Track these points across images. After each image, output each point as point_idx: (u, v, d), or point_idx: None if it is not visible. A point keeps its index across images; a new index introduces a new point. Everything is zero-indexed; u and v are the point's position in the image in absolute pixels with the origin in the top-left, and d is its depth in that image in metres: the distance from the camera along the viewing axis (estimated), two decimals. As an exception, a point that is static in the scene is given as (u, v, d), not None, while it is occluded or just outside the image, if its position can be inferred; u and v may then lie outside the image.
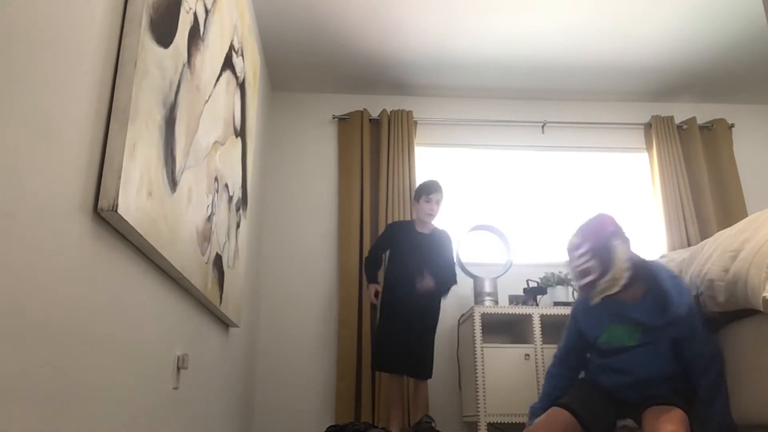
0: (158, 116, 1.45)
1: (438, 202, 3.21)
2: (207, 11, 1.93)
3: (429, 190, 3.20)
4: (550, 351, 3.04)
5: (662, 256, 2.52)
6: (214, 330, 2.38)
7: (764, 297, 1.56)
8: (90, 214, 1.18)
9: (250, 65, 2.77)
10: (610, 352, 1.96)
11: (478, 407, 3.00)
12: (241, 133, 2.61)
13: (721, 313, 1.82)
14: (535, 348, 3.12)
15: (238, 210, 2.61)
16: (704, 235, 3.75)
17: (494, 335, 3.53)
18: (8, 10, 0.88)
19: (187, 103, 1.72)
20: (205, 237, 1.99)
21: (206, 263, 2.01)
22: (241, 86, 2.59)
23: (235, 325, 2.62)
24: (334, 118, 4.03)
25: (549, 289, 3.52)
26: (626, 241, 1.87)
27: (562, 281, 3.51)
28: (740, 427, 1.79)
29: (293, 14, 3.31)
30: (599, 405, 1.99)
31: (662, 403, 1.83)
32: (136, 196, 1.30)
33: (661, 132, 4.05)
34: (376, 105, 4.08)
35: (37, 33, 0.97)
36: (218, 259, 2.21)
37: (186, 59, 1.69)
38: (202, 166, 1.93)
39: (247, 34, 2.66)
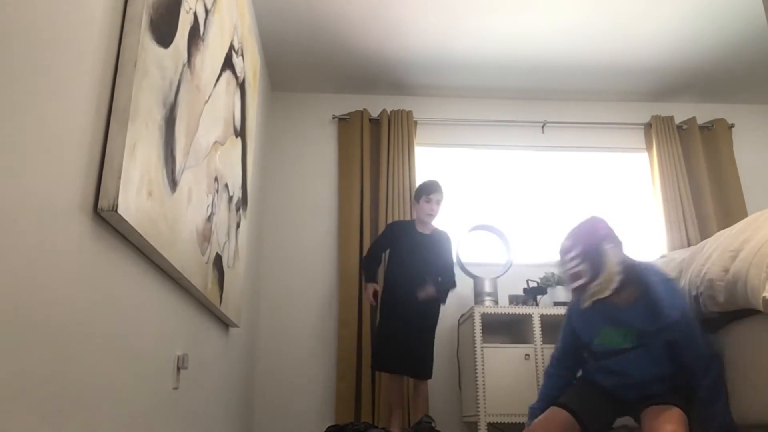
0: (158, 116, 1.45)
1: (438, 202, 3.21)
2: (207, 11, 1.93)
3: (429, 190, 3.20)
4: (550, 351, 3.04)
5: (662, 256, 2.52)
6: (214, 330, 2.38)
7: (764, 297, 1.56)
8: (90, 214, 1.18)
9: (250, 65, 2.77)
10: (605, 354, 1.96)
11: (478, 407, 3.00)
12: (241, 133, 2.61)
13: (721, 313, 1.82)
14: (535, 348, 3.12)
15: (238, 210, 2.61)
16: (704, 235, 3.75)
17: (494, 335, 3.53)
18: (8, 10, 0.88)
19: (187, 103, 1.72)
20: (205, 237, 1.99)
21: (206, 263, 2.01)
22: (241, 86, 2.59)
23: (235, 325, 2.62)
24: (334, 118, 4.03)
25: (549, 289, 3.52)
26: (618, 244, 1.85)
27: (562, 281, 3.51)
28: (740, 427, 1.79)
29: (293, 14, 3.31)
30: (597, 404, 1.99)
31: (661, 402, 1.83)
32: (136, 196, 1.30)
33: (661, 132, 4.05)
34: (376, 105, 4.08)
35: (37, 33, 0.97)
36: (218, 259, 2.21)
37: (186, 59, 1.69)
38: (202, 166, 1.93)
39: (247, 34, 2.66)
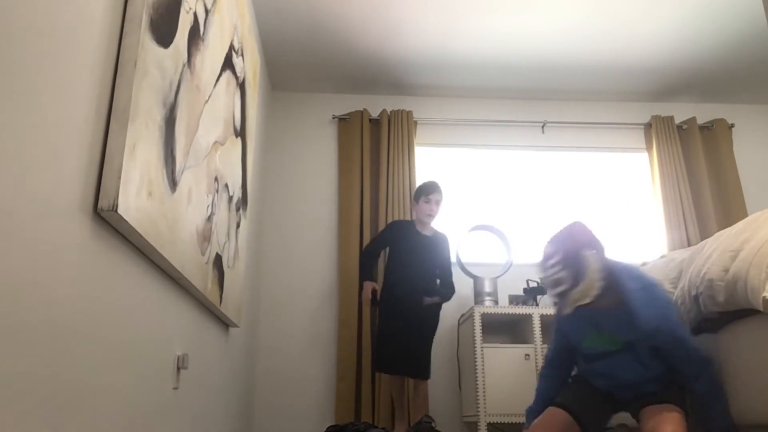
0: (158, 116, 1.45)
1: (437, 203, 3.20)
2: (207, 11, 1.93)
3: (428, 190, 3.19)
4: (550, 351, 3.04)
5: (662, 256, 2.52)
6: (214, 330, 2.38)
7: (764, 297, 1.56)
8: (90, 214, 1.18)
9: (250, 65, 2.77)
10: (594, 357, 1.96)
11: (478, 407, 3.00)
12: (241, 133, 2.61)
13: (721, 313, 1.81)
14: (535, 348, 3.13)
15: (238, 210, 2.61)
16: (704, 235, 3.76)
17: (494, 335, 3.53)
18: (8, 10, 0.88)
19: (187, 103, 1.72)
20: (205, 237, 1.99)
21: (206, 263, 2.01)
22: (241, 86, 2.59)
23: (235, 325, 2.62)
24: (334, 118, 4.03)
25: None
26: (599, 250, 1.84)
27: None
28: (740, 427, 1.79)
29: (293, 14, 3.31)
30: (594, 401, 1.99)
31: (658, 401, 1.82)
32: (136, 196, 1.30)
33: (661, 132, 4.05)
34: (376, 105, 4.09)
35: (37, 33, 0.97)
36: (218, 259, 2.21)
37: (186, 59, 1.69)
38: (202, 166, 1.93)
39: (247, 34, 2.66)
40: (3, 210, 0.88)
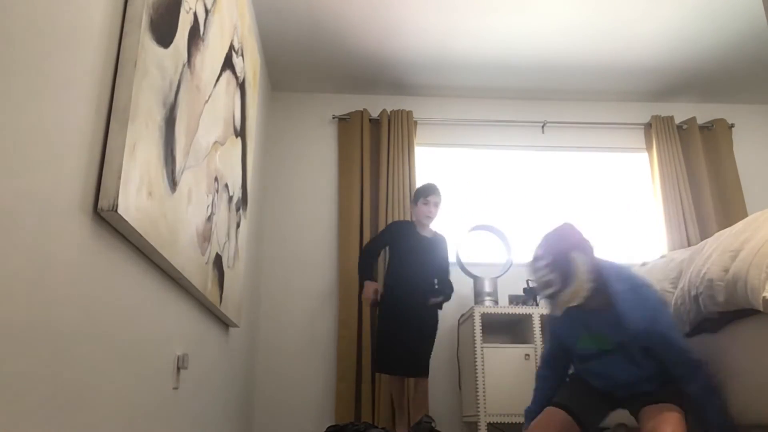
0: (158, 116, 1.45)
1: (436, 205, 3.20)
2: (207, 11, 1.93)
3: (426, 192, 3.19)
4: (550, 351, 3.04)
5: (662, 256, 2.51)
6: (214, 330, 2.38)
7: (764, 297, 1.56)
8: (90, 214, 1.18)
9: (250, 65, 2.77)
10: (588, 357, 1.97)
11: (478, 407, 3.00)
12: (241, 133, 2.61)
13: (721, 313, 1.81)
14: (535, 348, 3.12)
15: (238, 210, 2.61)
16: (704, 235, 3.76)
17: (494, 335, 3.53)
18: (8, 10, 0.88)
19: (187, 103, 1.72)
20: (205, 237, 1.99)
21: (206, 263, 2.01)
22: (241, 86, 2.59)
23: (235, 325, 2.62)
24: (334, 118, 4.03)
25: (549, 289, 3.51)
26: (589, 251, 1.83)
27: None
28: (740, 427, 1.79)
29: (293, 14, 3.31)
30: (592, 400, 1.99)
31: (657, 400, 1.82)
32: (136, 196, 1.30)
33: (661, 132, 4.05)
34: (376, 105, 4.09)
35: (37, 33, 0.97)
36: (218, 259, 2.21)
37: (186, 59, 1.69)
38: (202, 166, 1.93)
39: (247, 34, 2.66)
40: (3, 210, 0.88)
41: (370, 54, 3.69)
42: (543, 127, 4.15)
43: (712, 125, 4.14)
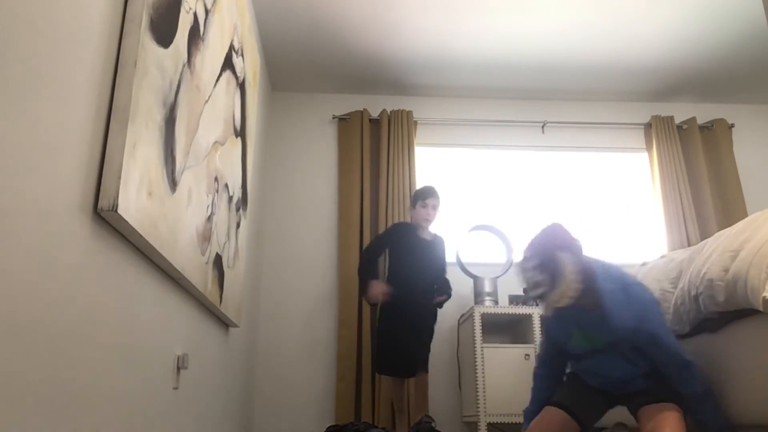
0: (158, 116, 1.45)
1: (434, 207, 3.19)
2: (207, 11, 1.93)
3: (425, 195, 3.18)
4: (550, 351, 3.04)
5: (662, 256, 2.51)
6: (214, 330, 2.38)
7: (764, 297, 1.56)
8: (90, 214, 1.18)
9: (250, 65, 2.77)
10: (581, 355, 1.97)
11: (478, 407, 3.00)
12: (241, 133, 2.61)
13: (721, 313, 1.81)
14: (535, 348, 3.13)
15: (238, 210, 2.61)
16: (704, 235, 3.76)
17: (494, 335, 3.53)
18: (8, 10, 0.88)
19: (187, 103, 1.72)
20: (205, 237, 1.99)
21: (206, 263, 2.01)
22: (241, 86, 2.59)
23: (235, 325, 2.62)
24: (334, 118, 4.03)
25: (549, 289, 3.51)
26: (576, 252, 1.83)
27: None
28: (740, 427, 1.79)
29: (293, 14, 3.31)
30: (590, 399, 1.99)
31: (655, 399, 1.81)
32: (136, 196, 1.30)
33: (661, 132, 4.05)
34: (376, 105, 4.09)
35: (37, 33, 0.97)
36: (218, 259, 2.21)
37: (186, 59, 1.69)
38: (202, 166, 1.93)
39: (247, 34, 2.66)
40: (3, 210, 0.88)
41: (370, 54, 3.69)
42: (543, 127, 4.15)
43: (712, 125, 4.14)
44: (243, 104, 2.64)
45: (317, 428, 3.43)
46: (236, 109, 2.49)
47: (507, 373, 3.08)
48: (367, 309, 3.53)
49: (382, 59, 3.74)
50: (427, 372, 3.02)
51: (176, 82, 1.60)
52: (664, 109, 4.24)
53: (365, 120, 3.93)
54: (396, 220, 3.62)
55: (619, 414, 2.14)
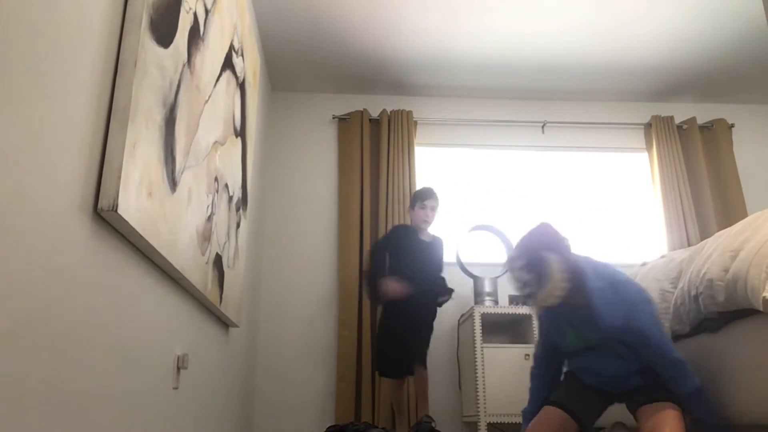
0: (158, 116, 1.45)
1: (433, 209, 3.18)
2: (207, 11, 1.93)
3: (423, 196, 3.18)
4: (550, 351, 3.04)
5: (662, 256, 2.51)
6: (214, 330, 2.38)
7: (764, 297, 1.56)
8: (90, 214, 1.18)
9: (250, 65, 2.77)
10: (574, 353, 1.97)
11: (478, 407, 3.00)
12: (241, 133, 2.61)
13: (721, 313, 1.81)
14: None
15: (238, 210, 2.61)
16: (704, 235, 3.76)
17: (494, 335, 3.53)
18: (8, 10, 0.88)
19: (187, 103, 1.72)
20: (205, 237, 1.99)
21: (206, 263, 2.01)
22: (241, 86, 2.59)
23: (235, 325, 2.62)
24: (334, 118, 4.03)
25: (549, 289, 3.51)
26: (563, 251, 1.83)
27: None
28: (740, 427, 1.79)
29: (293, 14, 3.31)
30: (588, 397, 1.99)
31: (653, 398, 1.81)
32: (136, 196, 1.30)
33: (661, 132, 4.05)
34: (376, 105, 4.08)
35: (37, 33, 0.97)
36: (218, 259, 2.21)
37: (186, 59, 1.69)
38: (202, 166, 1.93)
39: (247, 34, 2.66)
40: (3, 210, 0.88)
41: (370, 54, 3.69)
42: (543, 127, 4.15)
43: (712, 125, 4.14)
44: (243, 104, 2.64)
45: (317, 428, 3.43)
46: (236, 109, 2.49)
47: (507, 373, 3.08)
48: (367, 309, 3.53)
49: (382, 59, 3.74)
50: (426, 368, 2.99)
51: (176, 82, 1.60)
52: (664, 109, 4.24)
53: (365, 120, 3.93)
54: (396, 221, 3.62)
55: (618, 414, 2.14)
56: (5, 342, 0.89)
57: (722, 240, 1.88)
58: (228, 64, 2.28)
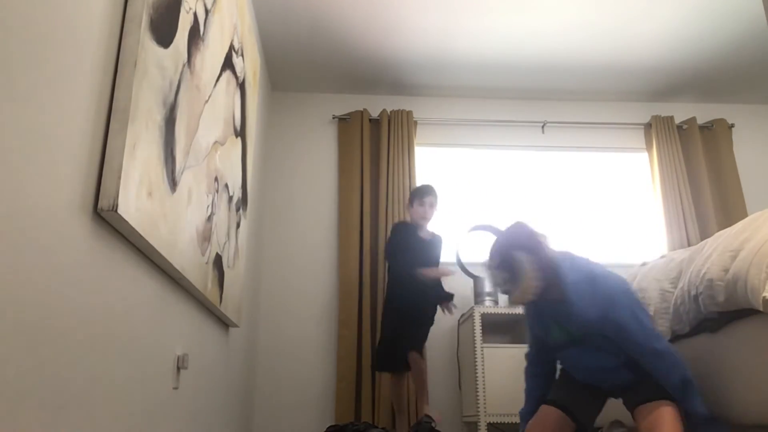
0: (158, 116, 1.45)
1: (432, 206, 3.17)
2: (207, 11, 1.93)
3: (422, 193, 3.17)
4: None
5: (662, 256, 2.51)
6: (214, 330, 2.38)
7: (764, 297, 1.56)
8: (90, 214, 1.18)
9: (250, 65, 2.77)
10: (560, 347, 1.97)
11: (478, 407, 3.00)
12: (241, 133, 2.61)
13: (721, 313, 1.81)
14: (535, 348, 3.12)
15: (238, 210, 2.61)
16: (704, 235, 3.76)
17: (494, 335, 3.53)
18: (8, 11, 0.88)
19: (187, 103, 1.72)
20: (205, 237, 1.99)
21: (206, 263, 2.01)
22: (241, 86, 2.59)
23: (235, 325, 2.62)
24: (334, 118, 4.03)
25: (549, 289, 3.51)
26: (534, 250, 1.84)
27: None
28: (740, 427, 1.79)
29: (293, 14, 3.31)
30: (584, 395, 1.99)
31: (649, 397, 1.80)
32: (136, 196, 1.30)
33: (661, 132, 4.05)
34: (376, 105, 4.08)
35: (37, 33, 0.97)
36: (218, 259, 2.21)
37: (186, 59, 1.69)
38: (202, 166, 1.93)
39: (247, 34, 2.66)
40: (3, 210, 0.88)
41: (370, 54, 3.69)
42: (543, 127, 4.15)
43: (712, 125, 4.14)
44: (243, 104, 2.64)
45: (317, 428, 3.43)
46: (236, 109, 2.49)
47: (507, 373, 3.08)
48: (367, 309, 3.53)
49: (382, 59, 3.74)
50: (422, 355, 2.93)
51: (176, 82, 1.60)
52: (664, 109, 4.24)
53: (365, 120, 3.93)
54: (396, 220, 3.61)
55: (616, 413, 2.14)
56: (5, 342, 0.89)
57: (722, 240, 1.88)
58: (228, 64, 2.28)
